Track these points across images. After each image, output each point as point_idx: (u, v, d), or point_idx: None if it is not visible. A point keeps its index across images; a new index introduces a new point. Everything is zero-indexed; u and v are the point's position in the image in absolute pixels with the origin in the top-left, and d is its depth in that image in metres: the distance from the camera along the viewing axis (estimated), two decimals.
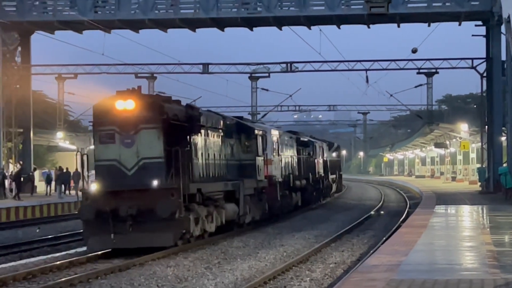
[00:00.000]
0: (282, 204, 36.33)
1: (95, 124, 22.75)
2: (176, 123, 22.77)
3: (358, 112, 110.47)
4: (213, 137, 27.90)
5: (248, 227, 32.88)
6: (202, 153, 25.82)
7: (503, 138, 52.57)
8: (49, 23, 54.30)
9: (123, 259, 21.64)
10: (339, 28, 56.38)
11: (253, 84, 76.12)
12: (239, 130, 31.55)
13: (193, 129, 24.25)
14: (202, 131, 25.76)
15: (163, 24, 57.13)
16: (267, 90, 69.71)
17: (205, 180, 25.63)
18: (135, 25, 56.43)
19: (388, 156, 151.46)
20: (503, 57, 50.33)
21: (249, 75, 72.95)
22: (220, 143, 28.97)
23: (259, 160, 32.22)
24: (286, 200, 37.44)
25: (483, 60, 56.70)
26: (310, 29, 55.48)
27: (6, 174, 55.14)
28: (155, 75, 74.00)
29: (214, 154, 27.81)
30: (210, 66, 65.46)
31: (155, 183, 20.96)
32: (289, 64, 63.61)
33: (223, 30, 60.49)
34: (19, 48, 57.74)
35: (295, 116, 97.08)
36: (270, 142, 34.45)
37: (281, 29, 60.29)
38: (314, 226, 34.52)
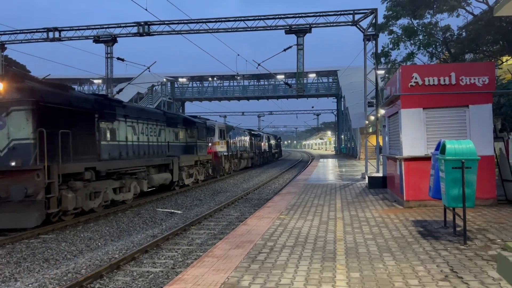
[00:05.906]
0: (230, 167, 23.19)
1: None
2: (62, 108, 8.91)
3: (294, 127, 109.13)
4: (147, 125, 13.21)
5: (256, 167, 25.02)
6: (118, 137, 11.42)
7: (342, 137, 50.79)
8: (190, 98, 50.37)
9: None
10: (287, 99, 50.28)
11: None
12: (186, 123, 16.81)
13: (104, 116, 10.68)
14: (122, 119, 11.70)
15: (228, 99, 48.81)
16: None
17: (126, 158, 11.68)
18: (215, 100, 48.84)
19: (304, 142, 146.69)
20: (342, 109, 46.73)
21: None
22: (159, 130, 14.10)
23: (200, 142, 18.11)
24: (234, 164, 24.58)
25: (336, 109, 54.44)
26: (278, 100, 49.77)
27: None
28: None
29: (146, 138, 13.14)
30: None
31: (20, 164, 8.06)
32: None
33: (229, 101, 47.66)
34: (180, 109, 51.78)
35: (273, 128, 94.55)
36: (217, 132, 21.29)
37: (248, 100, 46.69)
38: (277, 168, 30.87)
